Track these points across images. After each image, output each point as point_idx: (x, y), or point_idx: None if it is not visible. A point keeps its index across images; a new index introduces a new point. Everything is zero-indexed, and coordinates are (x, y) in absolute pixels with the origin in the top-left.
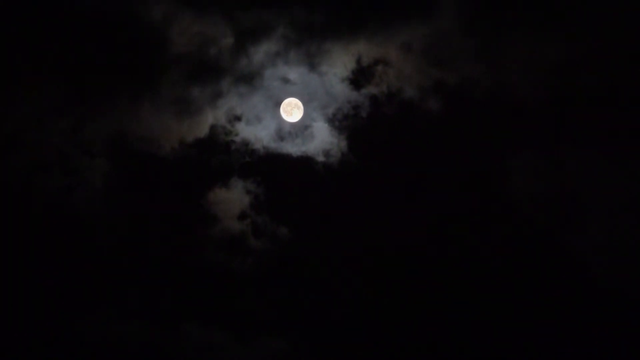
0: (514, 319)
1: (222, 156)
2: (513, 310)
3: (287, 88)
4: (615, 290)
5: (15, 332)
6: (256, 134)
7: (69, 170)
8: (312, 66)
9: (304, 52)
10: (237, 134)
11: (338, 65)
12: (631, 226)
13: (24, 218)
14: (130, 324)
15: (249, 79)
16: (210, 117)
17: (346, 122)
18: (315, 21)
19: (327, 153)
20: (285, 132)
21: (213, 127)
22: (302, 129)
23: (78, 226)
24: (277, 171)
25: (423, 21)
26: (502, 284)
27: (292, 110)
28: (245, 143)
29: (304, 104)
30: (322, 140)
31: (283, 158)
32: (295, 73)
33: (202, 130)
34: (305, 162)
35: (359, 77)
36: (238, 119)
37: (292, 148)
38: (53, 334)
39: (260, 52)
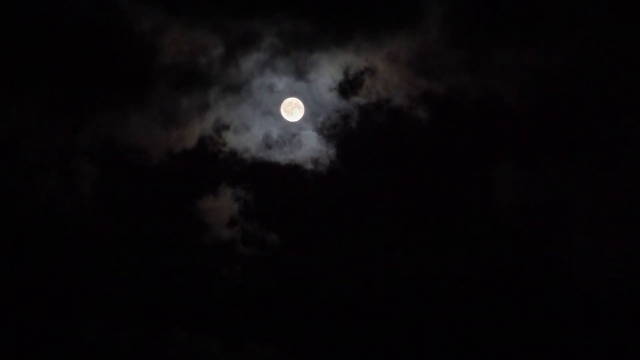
0: (499, 328)
1: (211, 165)
2: (498, 318)
3: (276, 97)
4: (600, 300)
5: (2, 336)
6: (244, 143)
7: (58, 181)
8: (300, 75)
9: (293, 61)
10: (225, 144)
11: (326, 74)
12: (616, 236)
13: (13, 221)
14: (119, 331)
15: (238, 89)
16: (199, 127)
17: (334, 131)
18: (303, 31)
19: (315, 161)
20: (273, 140)
21: (201, 137)
22: (290, 137)
23: (68, 233)
24: (266, 179)
25: (409, 32)
26: (487, 292)
27: (292, 110)
28: (234, 152)
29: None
30: (311, 149)
31: (272, 166)
32: (283, 82)
33: (191, 140)
34: (294, 170)
35: (346, 87)
36: (226, 128)
37: (281, 156)
38: (40, 339)
39: (248, 61)
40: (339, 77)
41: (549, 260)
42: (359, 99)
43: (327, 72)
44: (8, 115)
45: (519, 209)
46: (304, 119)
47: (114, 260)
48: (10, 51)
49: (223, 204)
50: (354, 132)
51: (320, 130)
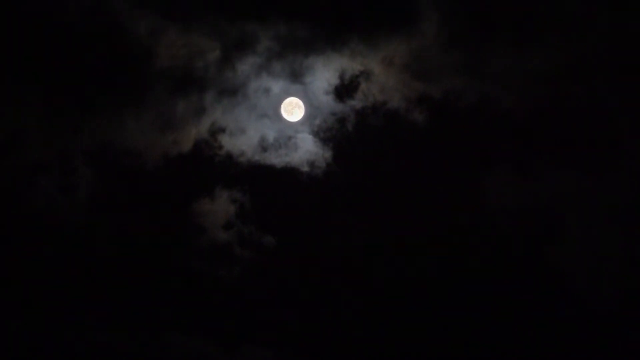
0: (493, 333)
1: (207, 168)
2: (493, 323)
3: (272, 100)
4: (594, 305)
5: (0, 336)
6: (240, 146)
7: (58, 181)
8: (296, 79)
9: (289, 65)
10: (221, 147)
11: (322, 78)
12: (611, 241)
13: (13, 221)
14: (116, 333)
15: (234, 92)
16: (195, 130)
17: (330, 134)
18: (299, 35)
19: (311, 164)
20: (269, 143)
21: (197, 140)
22: (286, 140)
23: (66, 233)
24: (262, 182)
25: (405, 35)
26: (482, 296)
27: (293, 110)
28: (229, 155)
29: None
30: (307, 151)
31: (268, 169)
32: (279, 86)
33: (187, 143)
34: (290, 172)
35: (342, 90)
36: (222, 131)
37: (277, 159)
38: (38, 339)
39: (244, 65)
40: (334, 80)
41: (543, 265)
42: (355, 103)
43: (323, 75)
44: (8, 115)
45: (514, 212)
46: (302, 119)
47: (110, 262)
48: (10, 53)
49: (219, 207)
50: (349, 135)
51: (316, 133)
